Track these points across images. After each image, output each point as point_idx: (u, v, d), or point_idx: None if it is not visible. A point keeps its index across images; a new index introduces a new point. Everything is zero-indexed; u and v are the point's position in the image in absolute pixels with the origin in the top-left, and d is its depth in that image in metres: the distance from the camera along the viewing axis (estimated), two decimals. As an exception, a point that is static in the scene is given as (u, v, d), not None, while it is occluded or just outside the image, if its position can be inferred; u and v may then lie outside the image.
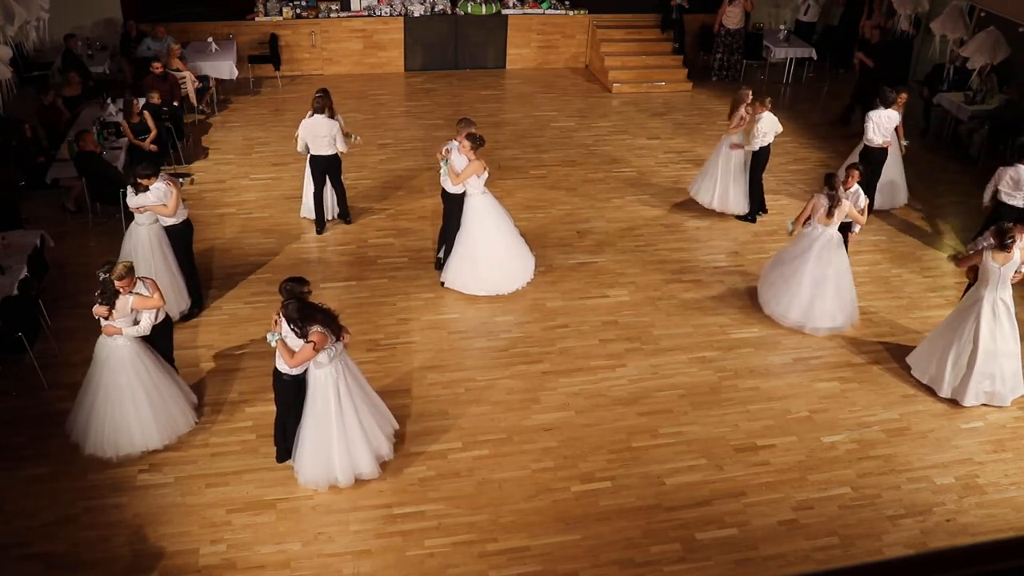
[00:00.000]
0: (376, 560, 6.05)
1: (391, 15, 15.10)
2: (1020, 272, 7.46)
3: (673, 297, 9.21)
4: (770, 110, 10.15)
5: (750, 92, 10.31)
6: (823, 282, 8.47)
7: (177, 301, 8.23)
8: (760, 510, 6.62)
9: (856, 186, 8.52)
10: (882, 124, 10.30)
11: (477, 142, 8.51)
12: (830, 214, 8.24)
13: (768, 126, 10.18)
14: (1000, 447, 7.35)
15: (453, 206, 8.86)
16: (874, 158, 10.48)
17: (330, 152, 9.51)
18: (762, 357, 8.33)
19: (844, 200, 8.22)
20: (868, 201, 8.91)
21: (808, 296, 8.50)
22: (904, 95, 10.69)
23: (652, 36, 15.80)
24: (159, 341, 6.98)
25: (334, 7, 15.01)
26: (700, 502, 6.66)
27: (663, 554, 6.20)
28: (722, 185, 10.61)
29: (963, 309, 7.66)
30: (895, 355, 8.39)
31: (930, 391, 7.88)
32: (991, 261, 7.32)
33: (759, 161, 10.45)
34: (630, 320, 8.80)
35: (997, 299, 7.46)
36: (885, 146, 10.41)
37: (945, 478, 6.99)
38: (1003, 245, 7.24)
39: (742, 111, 10.19)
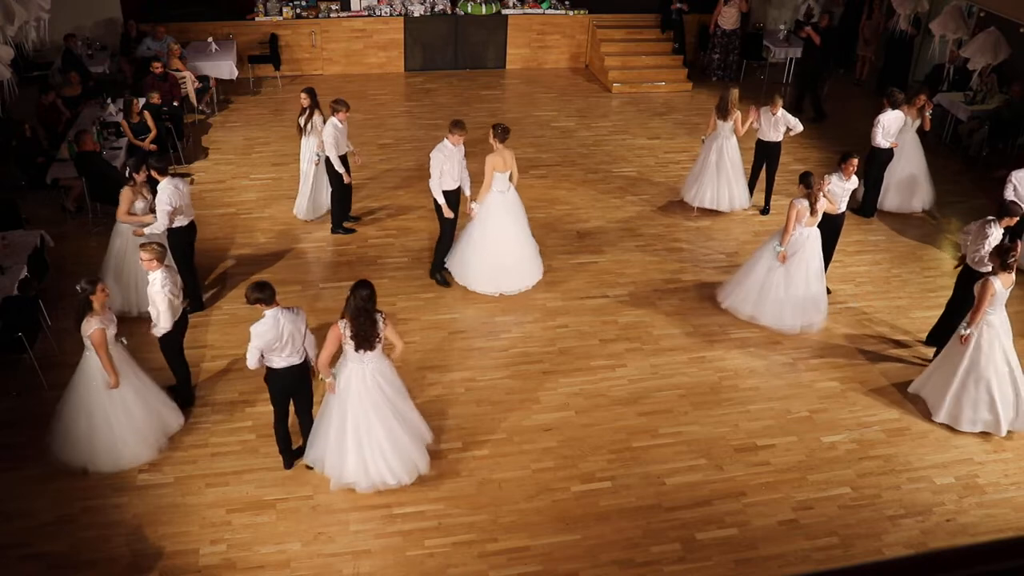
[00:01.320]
0: (376, 560, 6.05)
1: (391, 15, 15.11)
2: None
3: (673, 297, 9.21)
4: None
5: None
6: (800, 280, 8.42)
7: None
8: (760, 510, 6.62)
9: (854, 177, 8.70)
10: (889, 126, 10.30)
11: (500, 132, 8.58)
12: (813, 212, 8.22)
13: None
14: (1000, 447, 7.34)
15: (440, 213, 8.89)
16: (881, 159, 10.50)
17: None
18: (762, 357, 8.33)
19: (821, 196, 8.23)
20: (856, 185, 9.01)
21: (799, 296, 8.46)
22: (922, 97, 10.69)
23: (652, 36, 15.81)
24: (166, 347, 7.02)
25: (334, 7, 15.01)
26: (700, 502, 6.66)
27: (663, 554, 6.20)
28: (720, 184, 10.63)
29: (978, 343, 7.21)
30: (895, 355, 8.39)
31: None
32: (999, 286, 7.01)
33: (775, 156, 10.65)
34: (630, 320, 8.80)
35: (1005, 320, 7.25)
36: (892, 147, 10.41)
37: (945, 478, 6.99)
38: (1005, 265, 7.01)
39: (738, 112, 10.32)
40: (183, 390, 7.31)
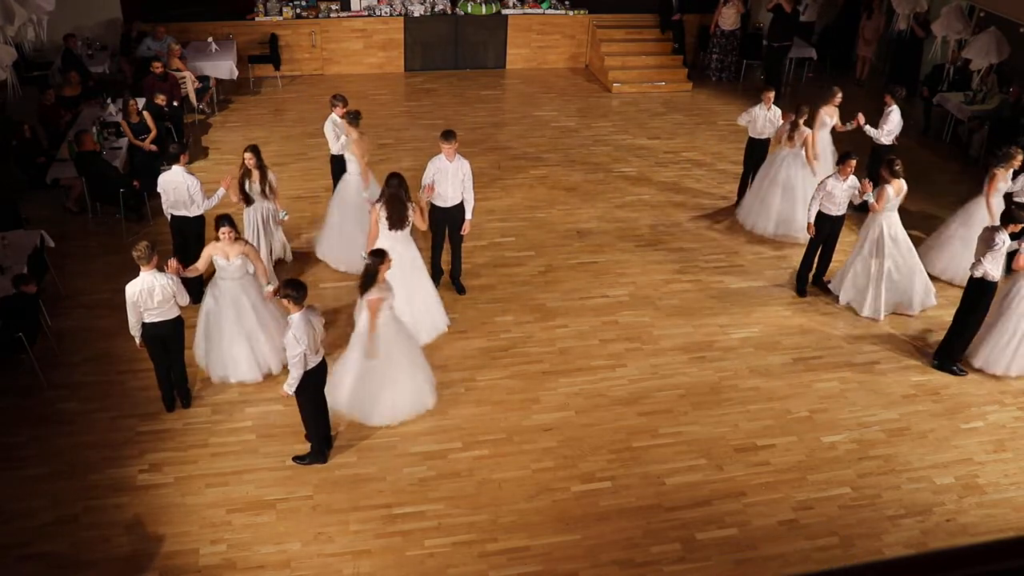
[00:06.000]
0: (376, 560, 6.05)
1: (391, 15, 15.10)
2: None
3: (673, 297, 9.21)
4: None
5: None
6: (788, 192, 10.01)
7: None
8: (760, 510, 6.62)
9: (853, 177, 8.70)
10: (894, 124, 10.29)
11: (352, 118, 8.93)
12: (790, 137, 9.82)
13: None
14: (1000, 447, 7.35)
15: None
16: (883, 155, 10.46)
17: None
18: (762, 357, 8.33)
19: (805, 128, 9.73)
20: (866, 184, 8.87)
21: (779, 207, 10.06)
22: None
23: (652, 36, 15.79)
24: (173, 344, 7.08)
25: (334, 7, 15.00)
26: (700, 502, 6.66)
27: (663, 554, 6.20)
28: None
29: (869, 238, 8.77)
30: (895, 355, 8.40)
31: (930, 391, 7.93)
32: (891, 192, 8.49)
33: (765, 153, 10.62)
34: (630, 320, 8.80)
35: (893, 222, 8.67)
36: (894, 144, 10.40)
37: (945, 478, 6.99)
38: (893, 173, 8.46)
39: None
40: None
